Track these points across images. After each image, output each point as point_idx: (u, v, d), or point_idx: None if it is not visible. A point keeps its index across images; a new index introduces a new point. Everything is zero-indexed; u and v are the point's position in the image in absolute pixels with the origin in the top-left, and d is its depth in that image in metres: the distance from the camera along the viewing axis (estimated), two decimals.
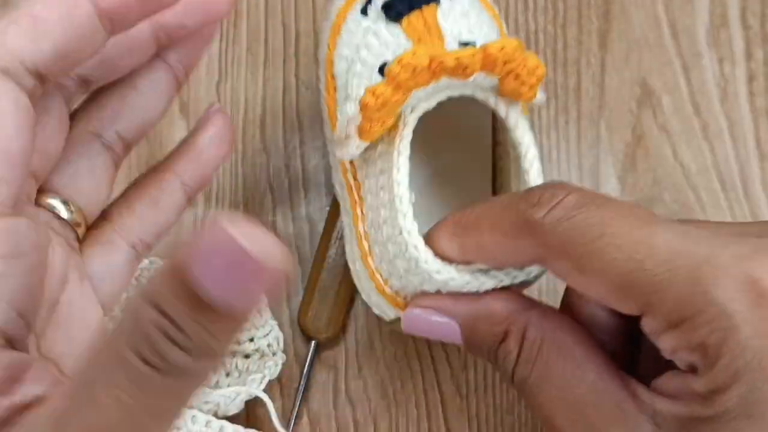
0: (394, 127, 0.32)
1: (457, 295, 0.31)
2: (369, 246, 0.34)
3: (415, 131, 0.32)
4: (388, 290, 0.33)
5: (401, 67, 0.29)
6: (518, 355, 0.29)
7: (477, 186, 0.37)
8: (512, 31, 0.45)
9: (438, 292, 0.31)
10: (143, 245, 0.32)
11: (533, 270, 0.31)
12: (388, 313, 0.34)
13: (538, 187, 0.29)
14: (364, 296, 0.35)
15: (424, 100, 0.31)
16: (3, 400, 0.23)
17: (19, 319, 0.25)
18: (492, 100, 0.32)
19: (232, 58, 0.44)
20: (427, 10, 0.32)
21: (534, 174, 0.32)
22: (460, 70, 0.30)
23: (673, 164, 0.43)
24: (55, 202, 0.30)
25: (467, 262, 0.30)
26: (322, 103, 0.35)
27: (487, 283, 0.30)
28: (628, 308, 0.27)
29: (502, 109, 0.32)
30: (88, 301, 0.29)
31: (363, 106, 0.30)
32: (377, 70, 0.32)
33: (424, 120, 0.32)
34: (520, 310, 0.30)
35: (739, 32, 0.44)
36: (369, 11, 0.33)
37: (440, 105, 0.32)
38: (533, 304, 0.30)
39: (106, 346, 0.21)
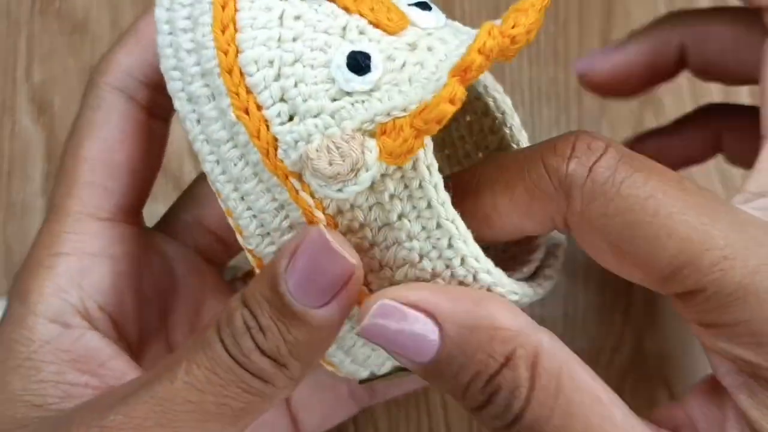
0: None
1: (452, 289, 0.24)
2: None
3: None
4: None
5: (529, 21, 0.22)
6: (531, 390, 0.22)
7: None
8: None
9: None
10: None
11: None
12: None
13: (566, 135, 0.24)
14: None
15: None
16: (91, 380, 0.26)
17: (100, 312, 0.27)
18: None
19: None
20: None
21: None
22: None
23: None
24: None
25: None
26: (222, 132, 0.24)
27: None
28: (666, 293, 0.24)
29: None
30: None
31: (466, 68, 0.21)
32: (346, 65, 0.23)
33: None
34: (530, 328, 0.23)
35: None
36: None
37: None
38: (538, 326, 0.23)
39: (200, 331, 0.24)
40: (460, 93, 0.21)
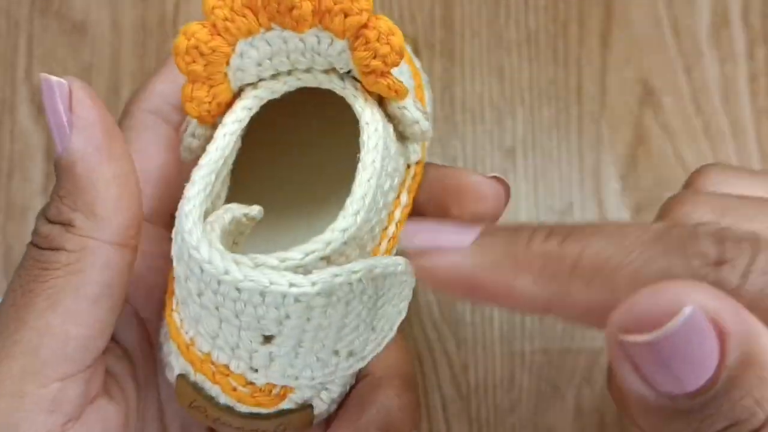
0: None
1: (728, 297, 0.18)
2: (174, 307, 0.26)
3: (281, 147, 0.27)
4: (196, 352, 0.25)
5: (217, 0, 0.24)
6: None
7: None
8: (513, 30, 0.44)
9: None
10: None
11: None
12: (218, 398, 0.26)
13: (707, 231, 0.19)
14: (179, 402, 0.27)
15: (263, 70, 0.25)
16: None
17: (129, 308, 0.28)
18: (350, 94, 0.25)
19: None
20: None
21: (365, 183, 0.24)
22: (287, 8, 0.23)
23: (674, 164, 0.43)
24: None
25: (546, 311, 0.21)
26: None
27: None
28: None
29: (358, 104, 0.25)
30: None
31: (175, 50, 0.24)
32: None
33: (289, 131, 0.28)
34: None
35: (741, 32, 0.44)
36: None
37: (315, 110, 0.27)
38: None
39: None
40: None
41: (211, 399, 0.25)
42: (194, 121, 0.25)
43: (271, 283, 0.22)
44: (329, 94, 0.26)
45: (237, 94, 0.25)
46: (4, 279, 0.42)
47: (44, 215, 0.25)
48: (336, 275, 0.22)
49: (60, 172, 0.24)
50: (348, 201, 0.24)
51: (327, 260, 0.23)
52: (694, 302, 0.16)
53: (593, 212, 0.42)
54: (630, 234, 0.20)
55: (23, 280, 0.24)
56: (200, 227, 0.23)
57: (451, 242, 0.21)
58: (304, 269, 0.23)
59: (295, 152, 0.31)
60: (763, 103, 0.43)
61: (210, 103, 0.25)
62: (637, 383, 0.17)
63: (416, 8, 0.45)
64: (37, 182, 0.43)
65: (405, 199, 0.27)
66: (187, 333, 0.25)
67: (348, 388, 0.28)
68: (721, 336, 0.17)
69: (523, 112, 0.43)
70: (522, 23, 0.44)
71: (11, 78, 0.44)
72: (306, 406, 0.26)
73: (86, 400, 0.25)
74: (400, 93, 0.25)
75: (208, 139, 0.25)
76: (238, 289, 0.22)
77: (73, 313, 0.24)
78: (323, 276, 0.22)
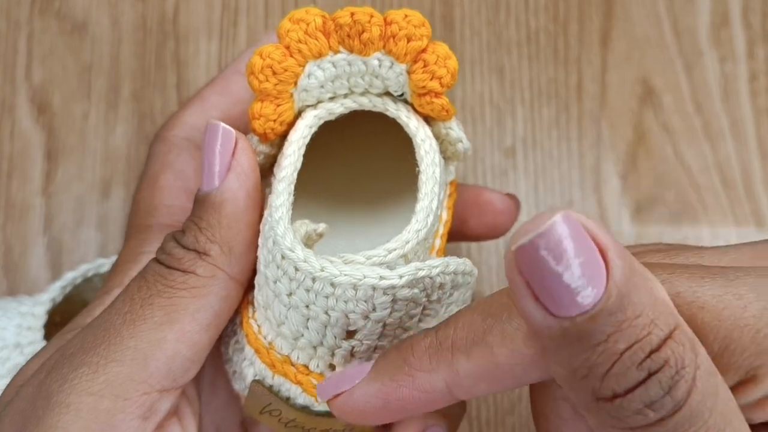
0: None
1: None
2: (252, 314, 0.28)
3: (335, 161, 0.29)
4: (275, 355, 0.27)
5: (292, 23, 0.26)
6: (695, 376, 0.19)
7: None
8: (513, 30, 0.44)
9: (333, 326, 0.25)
10: None
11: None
12: (298, 399, 0.27)
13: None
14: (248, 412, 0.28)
15: (324, 93, 0.27)
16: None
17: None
18: (403, 115, 0.27)
19: (231, 58, 0.44)
20: None
21: (423, 215, 0.26)
22: (357, 33, 0.26)
23: (674, 163, 0.43)
24: None
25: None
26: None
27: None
28: None
29: (412, 124, 0.27)
30: None
31: (249, 70, 0.26)
32: None
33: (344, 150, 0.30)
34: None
35: (741, 31, 0.44)
36: None
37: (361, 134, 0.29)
38: None
39: None
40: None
41: (287, 400, 0.27)
42: (255, 139, 0.28)
43: (365, 277, 0.24)
44: (373, 118, 0.29)
45: (297, 116, 0.28)
46: (4, 279, 0.42)
47: (177, 240, 0.26)
48: (419, 269, 0.24)
49: (205, 205, 0.26)
50: (418, 206, 0.26)
51: (405, 258, 0.25)
52: (568, 214, 0.17)
53: (593, 211, 0.42)
54: (495, 302, 0.22)
55: (144, 293, 0.25)
56: (291, 232, 0.25)
57: (352, 380, 0.24)
58: (388, 266, 0.25)
59: (341, 168, 0.33)
60: (763, 102, 0.43)
61: (275, 121, 0.27)
62: (536, 311, 0.18)
63: (416, 7, 0.45)
64: (36, 182, 0.43)
65: (445, 215, 0.30)
66: (265, 338, 0.27)
67: None
68: (602, 250, 0.18)
69: (523, 112, 0.43)
70: (522, 23, 0.44)
71: (11, 78, 0.44)
72: None
73: (169, 416, 0.26)
74: (451, 113, 0.27)
75: (267, 157, 0.28)
76: (333, 284, 0.24)
77: (186, 334, 0.25)
78: (409, 269, 0.24)
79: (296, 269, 0.24)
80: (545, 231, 0.17)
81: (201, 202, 0.26)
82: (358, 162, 0.33)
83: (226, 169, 0.26)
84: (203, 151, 0.26)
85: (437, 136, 0.28)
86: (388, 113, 0.28)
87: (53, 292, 0.37)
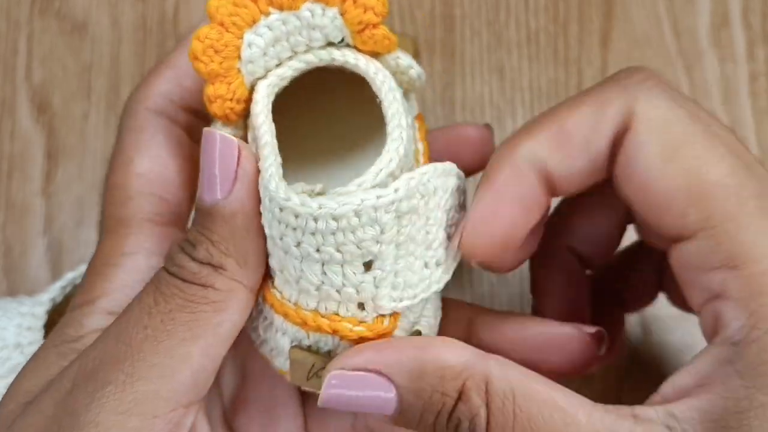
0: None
1: (398, 347, 0.25)
2: (273, 283, 0.28)
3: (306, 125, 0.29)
4: (304, 312, 0.27)
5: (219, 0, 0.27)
6: (489, 415, 0.24)
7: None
8: (513, 30, 0.44)
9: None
10: None
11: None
12: (326, 343, 0.27)
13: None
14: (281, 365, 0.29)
15: (269, 60, 0.27)
16: None
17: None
18: (350, 58, 0.28)
19: None
20: None
21: (397, 153, 0.26)
22: None
23: None
24: None
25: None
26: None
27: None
28: (681, 223, 0.25)
29: (361, 63, 0.28)
30: None
31: (192, 56, 0.26)
32: None
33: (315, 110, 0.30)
34: (477, 358, 0.24)
35: (741, 32, 0.44)
36: None
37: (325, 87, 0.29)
38: (486, 354, 0.25)
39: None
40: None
41: (329, 353, 0.27)
42: (219, 124, 0.27)
43: (363, 201, 0.25)
44: (330, 78, 0.29)
45: (251, 92, 0.28)
46: (4, 279, 0.42)
47: (189, 253, 0.25)
48: (411, 178, 0.25)
49: (214, 217, 0.25)
50: (389, 127, 0.27)
51: (392, 176, 0.26)
52: (344, 366, 0.25)
53: None
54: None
55: (162, 307, 0.25)
56: (284, 184, 0.25)
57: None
58: (380, 187, 0.25)
59: (320, 130, 0.33)
60: (763, 103, 0.43)
61: (231, 100, 0.27)
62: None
63: (416, 8, 0.45)
64: (36, 182, 0.43)
65: (421, 146, 0.30)
66: (289, 300, 0.27)
67: (439, 319, 0.30)
68: (385, 376, 0.25)
69: (523, 112, 0.43)
70: (522, 23, 0.44)
71: (11, 78, 0.44)
72: (416, 332, 0.28)
73: (191, 429, 0.26)
74: (393, 40, 0.27)
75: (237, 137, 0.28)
76: (335, 218, 0.25)
77: (209, 348, 0.25)
78: (401, 182, 0.25)
79: (296, 215, 0.25)
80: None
81: (208, 213, 0.25)
82: (335, 121, 0.33)
83: (231, 179, 0.25)
84: (201, 158, 0.26)
85: (388, 69, 0.28)
86: (335, 63, 0.28)
87: (53, 292, 0.38)
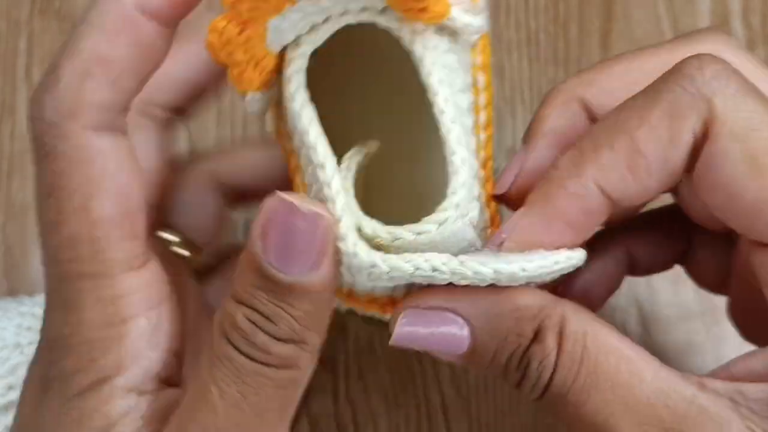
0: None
1: (471, 289, 0.24)
2: None
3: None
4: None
5: None
6: (558, 356, 0.24)
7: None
8: (513, 30, 0.44)
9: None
10: None
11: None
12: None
13: (683, 60, 0.24)
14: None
15: (302, 30, 0.24)
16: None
17: (174, 359, 0.26)
18: (395, 26, 0.24)
19: None
20: None
21: (447, 125, 0.25)
22: None
23: None
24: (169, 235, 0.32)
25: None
26: None
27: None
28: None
29: (406, 37, 0.24)
30: None
31: (209, 48, 0.24)
32: None
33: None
34: (552, 301, 0.24)
35: (741, 32, 0.44)
36: None
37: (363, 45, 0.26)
38: (561, 298, 0.25)
39: (213, 346, 0.24)
40: None
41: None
42: (250, 94, 0.25)
43: (416, 269, 0.23)
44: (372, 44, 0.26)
45: (281, 54, 0.25)
46: (4, 279, 0.42)
47: (271, 334, 0.23)
48: (530, 261, 0.24)
49: (297, 293, 0.23)
50: (446, 151, 0.24)
51: (460, 210, 0.24)
52: (419, 305, 0.25)
53: None
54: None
55: (253, 400, 0.23)
56: (353, 231, 0.24)
57: (512, 224, 0.25)
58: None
59: (355, 100, 0.31)
60: None
61: (261, 74, 0.25)
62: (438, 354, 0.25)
63: None
64: None
65: (482, 80, 0.29)
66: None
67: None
68: (459, 314, 0.24)
69: (523, 112, 0.43)
70: (522, 24, 0.44)
71: (11, 78, 0.44)
72: None
73: None
74: (444, 10, 0.24)
75: (272, 98, 0.26)
76: (390, 278, 0.24)
77: (291, 418, 0.25)
78: (454, 266, 0.24)
79: (368, 273, 0.23)
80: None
81: (289, 288, 0.23)
82: (368, 82, 0.31)
83: (316, 254, 0.23)
84: (273, 226, 0.23)
85: (442, 29, 0.25)
86: (378, 25, 0.25)
87: None
